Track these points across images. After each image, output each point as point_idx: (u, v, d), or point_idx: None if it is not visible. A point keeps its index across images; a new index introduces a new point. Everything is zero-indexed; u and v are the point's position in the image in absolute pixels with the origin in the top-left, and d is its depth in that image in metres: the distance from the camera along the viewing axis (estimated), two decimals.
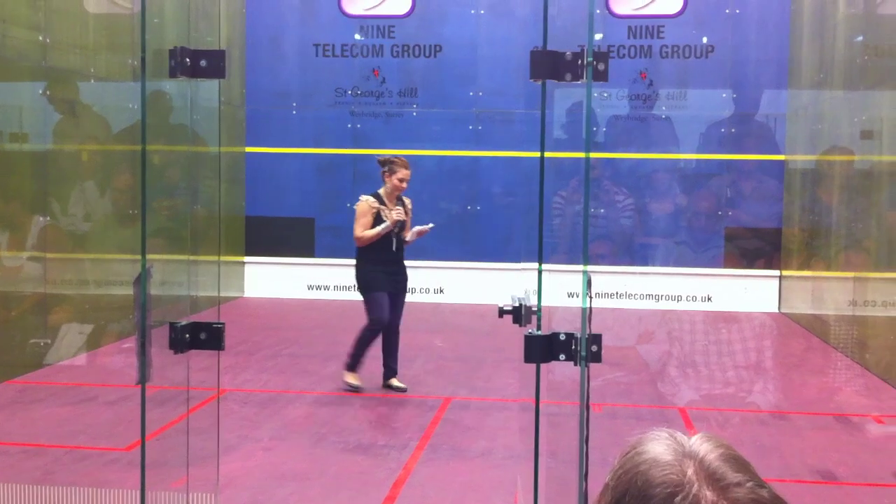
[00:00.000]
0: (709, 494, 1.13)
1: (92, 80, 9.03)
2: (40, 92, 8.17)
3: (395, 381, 7.33)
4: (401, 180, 7.09)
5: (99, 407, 6.84)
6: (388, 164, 7.14)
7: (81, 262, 8.76)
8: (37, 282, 7.99)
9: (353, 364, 7.24)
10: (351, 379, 7.21)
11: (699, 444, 1.19)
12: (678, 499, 1.13)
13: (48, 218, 8.10)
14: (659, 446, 1.20)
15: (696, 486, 1.13)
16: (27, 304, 7.91)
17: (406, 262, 7.40)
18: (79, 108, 8.85)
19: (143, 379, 3.32)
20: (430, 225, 7.34)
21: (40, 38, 8.05)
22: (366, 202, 7.11)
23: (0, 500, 4.84)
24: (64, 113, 8.56)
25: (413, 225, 7.38)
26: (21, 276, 7.86)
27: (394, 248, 7.14)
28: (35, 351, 7.82)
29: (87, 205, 8.72)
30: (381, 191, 7.17)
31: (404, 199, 7.29)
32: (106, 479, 5.20)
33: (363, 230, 7.07)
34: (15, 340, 7.73)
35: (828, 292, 10.01)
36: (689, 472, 1.15)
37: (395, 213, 7.05)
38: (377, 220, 7.08)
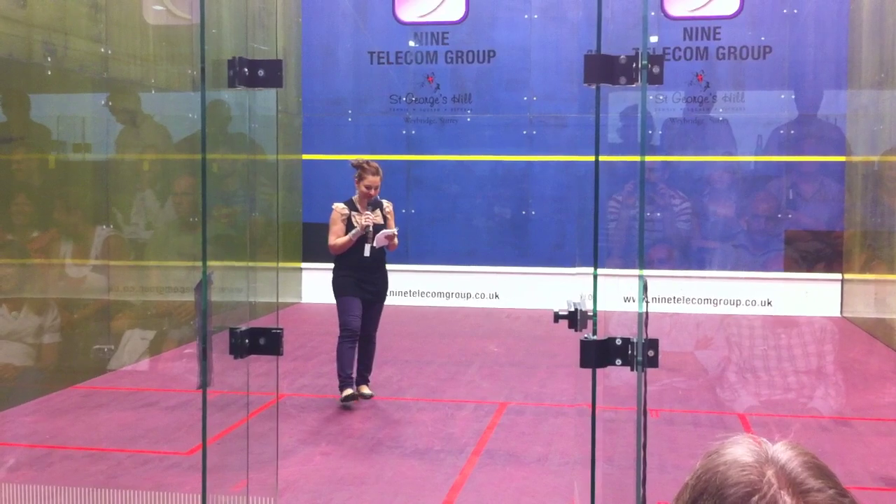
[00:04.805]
0: (787, 498, 1.12)
1: (152, 91, 9.21)
2: (102, 103, 8.34)
3: (363, 388, 7.12)
4: (367, 187, 6.94)
5: (160, 412, 6.95)
6: (358, 170, 7.01)
7: (143, 270, 8.92)
8: (100, 289, 8.16)
9: (341, 378, 6.98)
10: (344, 394, 6.94)
11: (782, 450, 1.19)
12: (755, 498, 1.13)
13: (111, 226, 8.26)
14: (740, 449, 1.21)
15: (774, 487, 1.13)
16: (91, 310, 8.08)
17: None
18: (140, 118, 9.02)
19: (204, 384, 3.37)
20: (395, 230, 7.04)
21: (102, 49, 8.23)
22: (336, 210, 7.01)
23: (65, 502, 4.95)
24: (125, 123, 8.73)
25: (399, 229, 7.22)
26: (85, 283, 8.04)
27: (366, 254, 6.94)
28: (98, 357, 7.98)
29: (149, 213, 8.88)
30: (355, 197, 7.06)
31: (383, 202, 7.12)
32: (167, 483, 5.29)
33: (336, 238, 6.96)
34: (79, 346, 7.90)
35: (891, 296, 9.80)
36: (769, 474, 1.15)
37: (364, 219, 6.93)
38: (350, 227, 6.96)
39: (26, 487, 5.10)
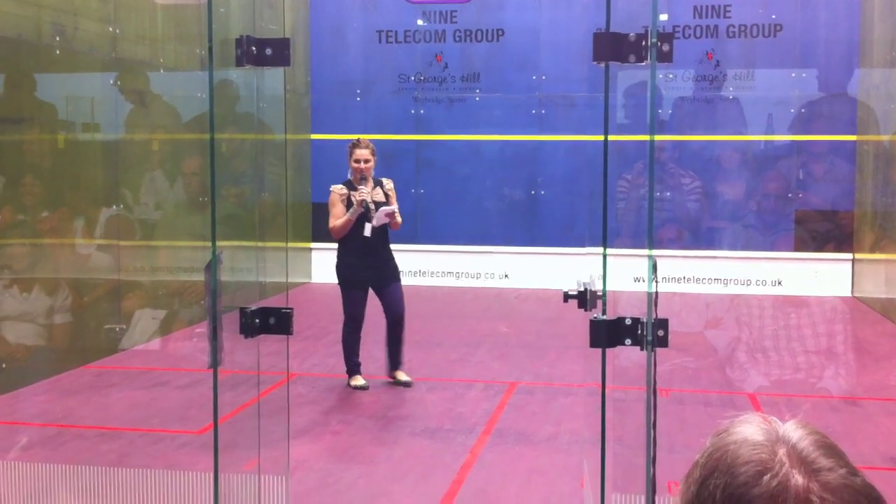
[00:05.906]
0: (799, 477, 1.12)
1: (161, 71, 9.20)
2: (111, 83, 8.34)
3: (399, 375, 7.07)
4: (356, 161, 6.77)
5: (171, 391, 6.99)
6: (349, 147, 6.90)
7: (153, 250, 8.94)
8: (110, 269, 8.18)
9: (348, 367, 7.00)
10: (352, 381, 6.95)
11: (793, 429, 1.19)
12: (766, 477, 1.13)
13: (121, 206, 8.28)
14: (751, 428, 1.20)
15: (786, 466, 1.13)
16: (101, 290, 8.11)
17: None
18: (148, 98, 9.02)
19: (214, 363, 3.38)
20: (394, 207, 6.85)
21: (110, 29, 8.22)
22: (334, 192, 6.84)
23: (77, 481, 4.98)
24: (134, 103, 8.73)
25: (401, 208, 7.07)
26: (95, 263, 8.06)
27: (366, 233, 6.74)
28: (110, 336, 8.02)
29: (158, 193, 8.90)
30: (351, 176, 6.91)
31: (383, 180, 7.01)
32: (179, 462, 5.32)
33: (335, 220, 6.81)
34: (90, 326, 7.94)
35: None
36: (781, 452, 1.15)
37: (358, 195, 6.72)
38: (350, 207, 6.79)
39: (38, 466, 5.13)
